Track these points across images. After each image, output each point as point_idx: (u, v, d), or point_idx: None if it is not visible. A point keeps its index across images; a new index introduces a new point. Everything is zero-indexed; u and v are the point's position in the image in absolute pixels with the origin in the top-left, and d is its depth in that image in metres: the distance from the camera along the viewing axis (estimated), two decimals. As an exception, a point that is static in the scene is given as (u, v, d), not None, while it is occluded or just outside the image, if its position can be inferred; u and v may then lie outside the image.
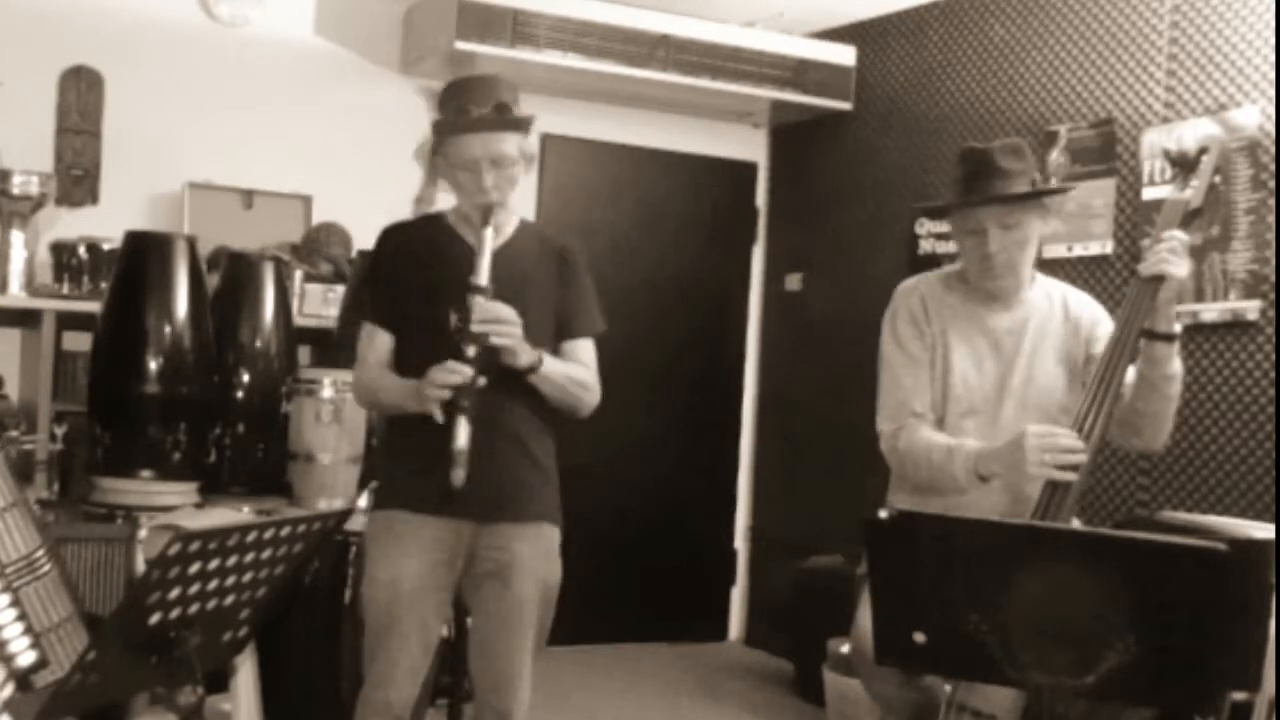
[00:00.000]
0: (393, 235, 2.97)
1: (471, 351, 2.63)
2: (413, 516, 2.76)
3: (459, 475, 2.59)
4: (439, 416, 2.63)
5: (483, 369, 2.64)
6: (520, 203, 5.36)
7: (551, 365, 2.80)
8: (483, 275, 2.68)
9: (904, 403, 2.85)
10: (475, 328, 2.63)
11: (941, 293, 2.92)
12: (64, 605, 2.27)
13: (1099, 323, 2.90)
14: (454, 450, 2.59)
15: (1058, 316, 2.89)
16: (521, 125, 2.80)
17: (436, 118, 2.86)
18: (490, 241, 2.72)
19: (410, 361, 2.82)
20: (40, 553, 2.27)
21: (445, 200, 3.00)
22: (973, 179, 2.82)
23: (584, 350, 2.95)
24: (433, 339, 2.73)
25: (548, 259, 2.92)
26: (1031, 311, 2.89)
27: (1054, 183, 4.46)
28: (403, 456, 2.85)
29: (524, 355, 2.72)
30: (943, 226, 4.92)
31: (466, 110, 2.76)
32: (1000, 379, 2.84)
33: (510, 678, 2.80)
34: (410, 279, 2.86)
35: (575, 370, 2.89)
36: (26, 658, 2.18)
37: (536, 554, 2.82)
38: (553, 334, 2.89)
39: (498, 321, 2.65)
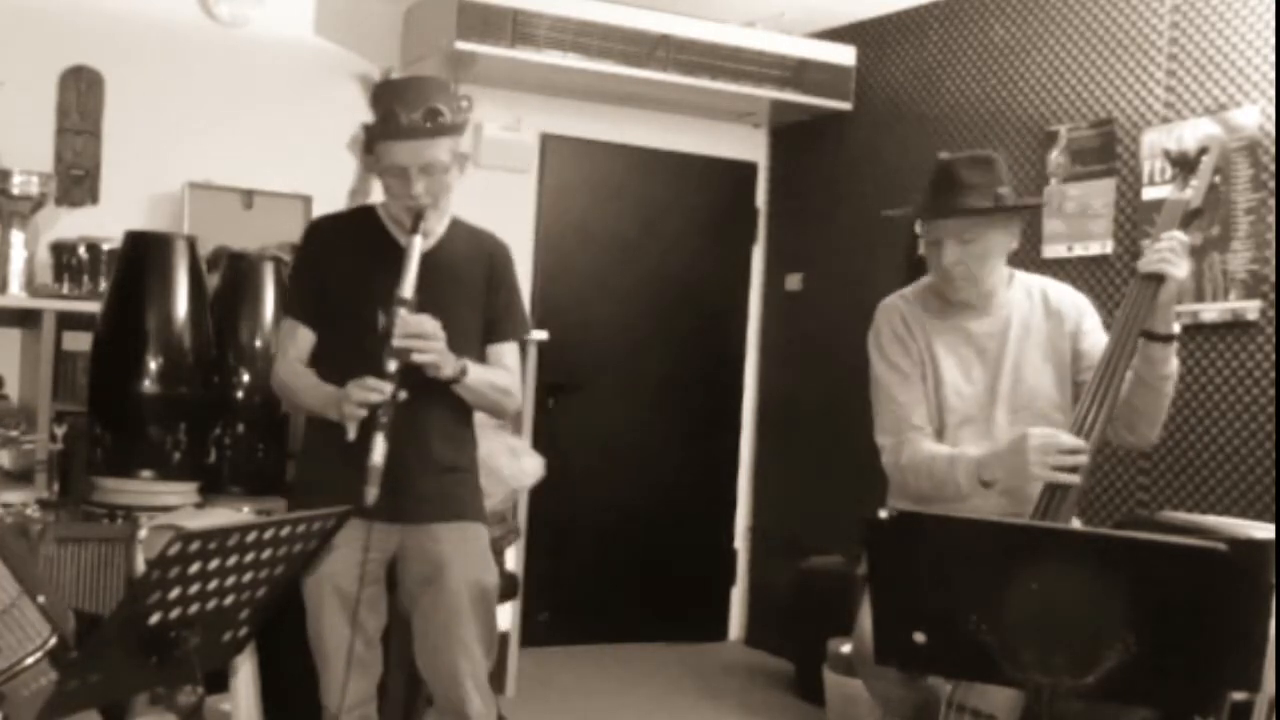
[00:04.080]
0: (321, 229, 2.95)
1: (393, 366, 2.61)
2: None
3: (372, 493, 2.57)
4: (353, 433, 2.62)
5: (403, 383, 2.62)
6: (521, 203, 5.43)
7: (475, 374, 2.79)
8: (407, 287, 2.64)
9: (902, 419, 2.85)
10: (397, 343, 2.61)
11: (921, 307, 2.93)
12: (8, 589, 2.22)
13: (1084, 314, 2.90)
14: (369, 466, 2.57)
15: (1039, 312, 2.89)
16: (451, 131, 2.75)
17: (366, 120, 2.81)
18: (418, 250, 2.68)
19: (332, 359, 2.81)
20: None
21: (380, 192, 2.94)
22: (934, 191, 2.85)
23: (508, 354, 2.94)
24: (354, 338, 2.72)
25: (477, 261, 2.90)
26: (1012, 312, 2.88)
27: (1053, 183, 4.47)
28: (323, 456, 2.83)
29: (447, 367, 2.71)
30: (943, 226, 4.92)
31: (395, 115, 2.71)
32: (989, 385, 2.85)
33: (457, 678, 2.79)
34: (335, 276, 2.83)
35: (498, 377, 2.88)
36: None
37: (467, 554, 2.82)
38: (479, 337, 2.88)
39: (420, 337, 2.64)
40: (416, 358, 2.64)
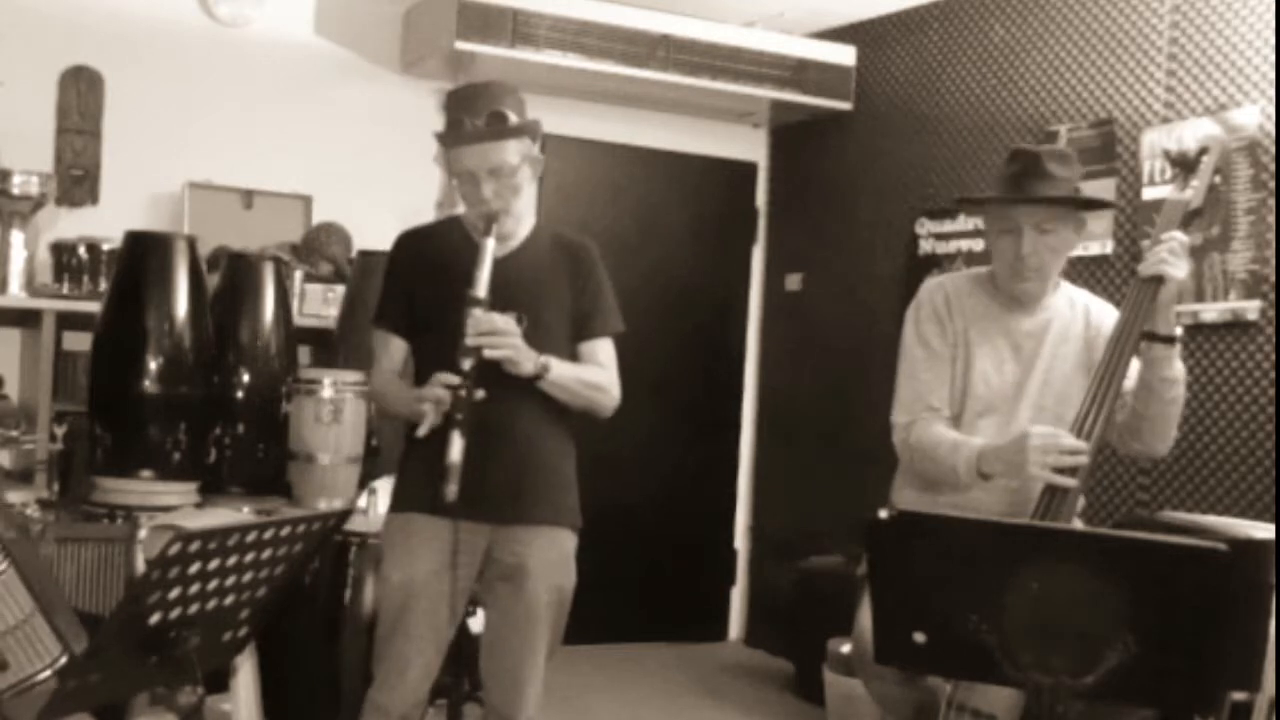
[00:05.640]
0: (408, 241, 2.97)
1: (467, 364, 2.63)
2: (427, 519, 2.75)
3: (451, 490, 2.59)
4: (423, 430, 2.64)
5: (479, 381, 2.63)
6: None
7: (560, 370, 2.78)
8: (480, 287, 2.66)
9: (921, 396, 2.84)
10: (470, 341, 2.63)
11: (967, 292, 2.91)
12: (23, 605, 2.22)
13: None
14: (446, 464, 2.59)
15: (1079, 323, 2.88)
16: (516, 133, 2.78)
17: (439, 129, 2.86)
18: (490, 252, 2.70)
19: (427, 366, 2.82)
20: None
21: None
22: (1018, 179, 2.80)
23: (601, 351, 2.92)
24: (444, 344, 2.73)
25: (562, 261, 2.90)
26: (1054, 316, 2.88)
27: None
28: (419, 459, 2.83)
29: (526, 364, 2.71)
30: (943, 227, 4.93)
31: (460, 122, 2.75)
32: (1019, 380, 2.84)
33: (519, 680, 2.80)
34: (424, 285, 2.86)
35: (587, 373, 2.86)
36: None
37: (550, 559, 2.82)
38: (569, 336, 2.88)
39: (492, 333, 2.65)
40: (489, 354, 2.65)
